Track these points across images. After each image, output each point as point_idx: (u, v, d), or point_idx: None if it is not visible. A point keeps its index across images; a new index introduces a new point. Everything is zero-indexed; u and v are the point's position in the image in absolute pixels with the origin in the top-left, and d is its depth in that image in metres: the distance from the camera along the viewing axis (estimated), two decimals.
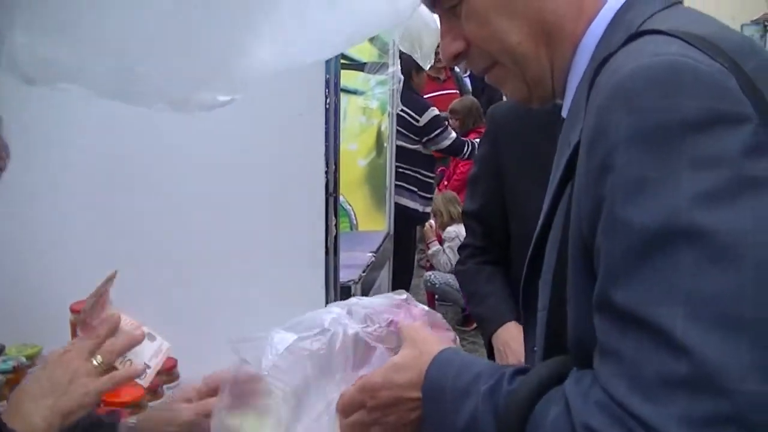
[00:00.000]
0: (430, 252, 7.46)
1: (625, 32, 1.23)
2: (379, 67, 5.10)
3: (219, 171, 2.73)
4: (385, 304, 1.65)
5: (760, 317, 0.98)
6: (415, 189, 6.92)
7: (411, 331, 1.55)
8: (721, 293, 0.99)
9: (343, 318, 1.62)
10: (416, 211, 6.94)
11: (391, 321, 1.61)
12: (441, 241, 7.54)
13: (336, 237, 2.78)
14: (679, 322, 0.98)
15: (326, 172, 2.73)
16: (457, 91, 9.54)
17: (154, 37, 1.86)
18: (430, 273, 7.49)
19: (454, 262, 7.12)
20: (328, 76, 2.71)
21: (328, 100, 2.71)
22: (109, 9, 1.81)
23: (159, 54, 1.91)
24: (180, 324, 2.68)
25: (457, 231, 7.20)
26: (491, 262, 2.75)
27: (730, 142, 1.03)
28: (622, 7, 1.32)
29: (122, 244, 2.71)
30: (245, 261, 2.74)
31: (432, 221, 7.65)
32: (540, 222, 1.40)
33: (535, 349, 1.39)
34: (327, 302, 2.74)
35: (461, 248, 2.96)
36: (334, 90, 2.73)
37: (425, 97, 9.23)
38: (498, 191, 2.70)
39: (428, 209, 7.32)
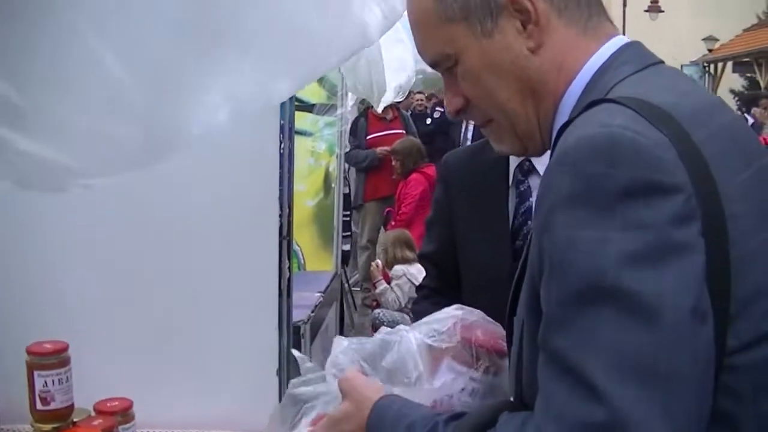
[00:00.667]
0: (377, 291, 7.46)
1: (597, 95, 1.34)
2: (327, 109, 5.16)
3: (172, 214, 2.74)
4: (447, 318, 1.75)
5: (673, 372, 1.08)
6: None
7: (344, 384, 1.61)
8: (640, 348, 1.09)
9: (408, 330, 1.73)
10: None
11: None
12: (388, 280, 7.57)
13: (289, 279, 2.81)
14: (600, 373, 1.08)
15: (280, 216, 2.76)
16: (404, 131, 9.65)
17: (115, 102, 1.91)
18: (378, 311, 7.49)
19: (402, 300, 7.15)
20: (282, 121, 2.74)
21: (282, 145, 2.74)
22: None
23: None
24: (134, 366, 2.70)
25: (405, 269, 7.24)
26: (446, 303, 2.79)
27: (660, 210, 1.13)
28: (599, 69, 1.42)
29: (86, 289, 2.72)
30: (198, 304, 2.75)
31: (379, 261, 7.66)
32: (519, 264, 1.48)
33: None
34: (280, 344, 2.75)
35: (418, 289, 3.00)
36: (288, 135, 2.76)
37: (372, 136, 9.34)
38: (450, 236, 2.74)
39: (347, 247, 7.38)
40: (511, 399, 1.47)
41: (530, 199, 2.52)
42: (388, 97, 5.28)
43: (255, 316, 2.75)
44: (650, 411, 1.06)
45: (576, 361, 1.11)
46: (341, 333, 6.03)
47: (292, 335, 2.88)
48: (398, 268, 7.52)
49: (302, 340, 3.77)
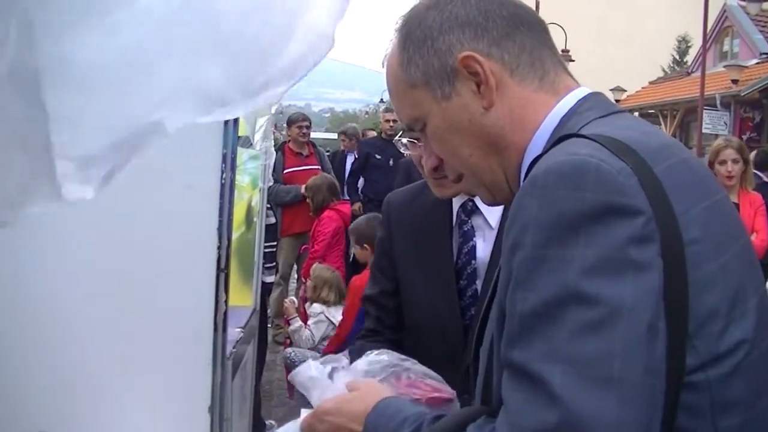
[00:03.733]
0: (291, 328, 7.37)
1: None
2: (251, 142, 5.10)
3: (106, 244, 2.66)
4: None
5: (626, 378, 1.16)
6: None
7: (367, 383, 1.83)
8: (596, 355, 1.17)
9: None
10: (264, 282, 6.86)
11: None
12: (305, 318, 7.49)
13: (225, 313, 2.74)
14: (557, 379, 1.16)
15: (218, 248, 2.70)
16: (319, 167, 9.67)
17: None
18: (290, 350, 7.39)
19: (317, 338, 7.09)
20: (225, 151, 2.69)
21: (224, 176, 2.69)
22: None
23: None
24: (63, 402, 2.60)
25: (323, 308, 7.19)
26: (381, 342, 2.77)
27: (621, 230, 1.23)
28: (565, 114, 1.54)
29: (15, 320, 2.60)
30: (130, 337, 2.66)
31: (293, 297, 7.58)
32: (488, 295, 1.56)
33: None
34: (214, 380, 2.68)
35: (360, 331, 2.96)
36: (230, 165, 2.72)
37: (288, 171, 9.32)
38: (393, 277, 2.73)
39: (271, 278, 7.31)
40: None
41: (473, 239, 2.53)
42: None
43: (188, 350, 2.68)
44: (602, 413, 1.14)
45: (536, 368, 1.19)
46: (258, 370, 5.95)
47: (226, 371, 2.81)
48: (316, 306, 7.47)
49: (226, 377, 3.69)
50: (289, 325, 7.42)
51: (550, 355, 1.19)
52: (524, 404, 1.20)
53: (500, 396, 1.32)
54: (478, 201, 2.51)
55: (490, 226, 2.50)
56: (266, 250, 6.89)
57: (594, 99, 1.58)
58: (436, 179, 2.47)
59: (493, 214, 2.50)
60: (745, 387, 1.34)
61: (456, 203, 2.58)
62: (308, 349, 7.33)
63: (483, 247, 2.51)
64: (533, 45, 1.60)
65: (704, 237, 1.34)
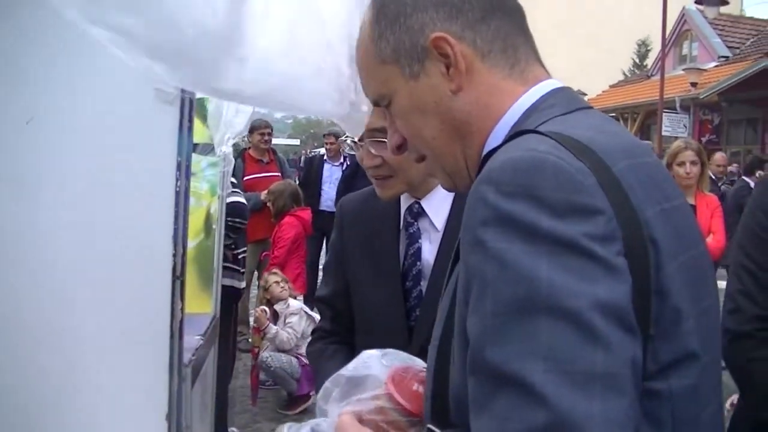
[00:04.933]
0: (269, 336, 7.35)
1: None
2: (211, 149, 5.09)
3: (63, 251, 2.65)
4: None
5: (609, 373, 1.12)
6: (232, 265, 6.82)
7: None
8: (575, 352, 1.13)
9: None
10: (233, 288, 6.82)
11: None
12: (275, 321, 7.48)
13: (181, 321, 2.74)
14: (539, 377, 1.11)
15: (174, 255, 2.69)
16: (279, 174, 9.65)
17: None
18: (267, 355, 7.38)
19: (299, 334, 7.11)
20: (179, 159, 2.69)
21: (178, 183, 2.69)
22: None
23: None
24: (15, 410, 2.58)
25: (300, 304, 7.26)
26: (338, 342, 2.78)
27: (583, 228, 1.20)
28: (527, 109, 1.49)
29: None
30: (86, 344, 2.65)
31: (265, 307, 7.55)
32: (441, 295, 1.53)
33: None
34: (171, 387, 2.68)
35: (313, 331, 2.98)
36: (185, 173, 2.71)
37: (248, 177, 9.28)
38: (344, 279, 2.74)
39: (243, 284, 7.28)
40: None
41: (419, 240, 2.55)
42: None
43: (145, 358, 2.67)
44: (589, 409, 1.10)
45: (513, 369, 1.14)
46: (225, 377, 5.93)
47: (183, 378, 2.80)
48: (281, 304, 7.51)
49: (183, 385, 3.67)
50: (260, 333, 7.39)
51: (527, 355, 1.14)
52: (509, 407, 1.13)
53: (457, 399, 1.31)
54: (424, 203, 2.54)
55: (436, 229, 2.53)
56: (240, 256, 6.89)
57: (559, 95, 1.54)
58: (378, 179, 2.50)
59: (438, 217, 2.53)
60: (697, 399, 1.34)
61: (404, 206, 2.61)
62: (292, 347, 7.34)
63: (429, 249, 2.53)
64: (508, 31, 1.55)
65: (664, 236, 1.32)
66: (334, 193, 10.92)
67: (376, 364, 1.71)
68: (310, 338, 3.00)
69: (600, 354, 1.13)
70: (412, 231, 2.57)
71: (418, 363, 1.72)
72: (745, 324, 2.68)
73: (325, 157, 11.61)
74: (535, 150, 1.27)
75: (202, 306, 5.18)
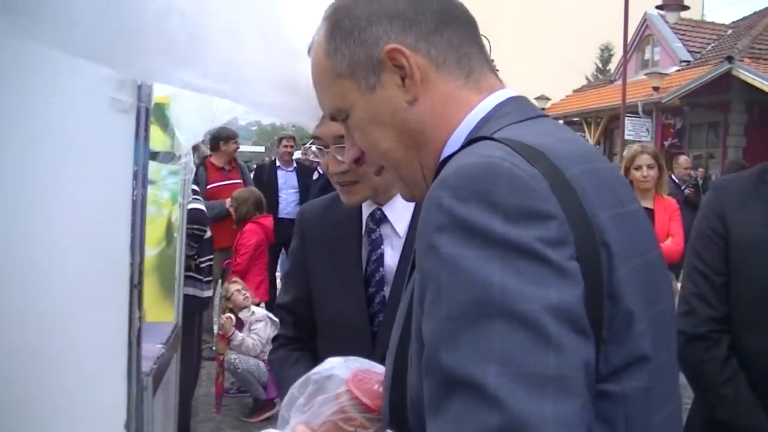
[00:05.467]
0: (234, 343, 7.33)
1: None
2: (171, 158, 5.08)
3: (19, 259, 2.63)
4: None
5: (561, 375, 1.14)
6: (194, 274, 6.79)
7: None
8: (528, 355, 1.14)
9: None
10: (195, 297, 6.78)
11: None
12: (240, 329, 7.46)
13: (139, 329, 2.75)
14: (492, 380, 1.12)
15: (131, 264, 2.70)
16: (242, 181, 9.64)
17: None
18: (234, 357, 7.36)
19: (264, 338, 7.09)
20: (136, 168, 2.70)
21: (135, 192, 2.69)
22: None
23: None
24: None
25: (252, 310, 7.26)
26: (301, 349, 2.79)
27: (536, 233, 1.22)
28: (482, 118, 1.52)
29: None
30: (43, 353, 2.64)
31: (231, 315, 7.53)
32: (402, 298, 1.55)
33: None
34: (129, 396, 2.68)
35: (274, 339, 2.98)
36: (142, 182, 2.72)
37: (211, 186, 9.26)
38: (305, 286, 2.75)
39: (209, 293, 7.26)
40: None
41: (381, 246, 2.57)
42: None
43: (103, 366, 2.68)
44: (542, 411, 1.11)
45: (467, 373, 1.15)
46: (190, 386, 5.91)
47: (144, 387, 2.81)
48: (245, 312, 7.50)
49: (145, 393, 3.68)
50: (225, 340, 7.37)
51: (480, 359, 1.15)
52: (461, 411, 1.14)
53: (415, 403, 1.33)
54: (386, 210, 2.56)
55: (398, 235, 2.55)
56: (203, 264, 6.87)
57: (513, 103, 1.56)
58: (343, 186, 2.51)
59: (400, 223, 2.55)
60: (650, 401, 1.35)
61: (366, 213, 2.62)
62: (258, 353, 7.33)
63: (391, 255, 2.55)
64: (461, 41, 1.58)
65: (616, 240, 1.34)
66: (294, 200, 10.89)
67: (338, 368, 1.72)
68: None
69: (552, 357, 1.14)
70: (374, 237, 2.59)
71: (380, 368, 1.73)
72: (699, 326, 2.74)
73: (277, 164, 11.38)
74: (489, 156, 1.29)
75: (164, 314, 5.17)
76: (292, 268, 2.88)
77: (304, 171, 11.18)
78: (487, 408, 1.12)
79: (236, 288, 7.68)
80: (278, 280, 10.12)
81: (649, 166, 6.68)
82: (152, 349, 4.16)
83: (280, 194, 11.08)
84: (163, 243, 5.33)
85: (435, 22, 1.55)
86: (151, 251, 5.32)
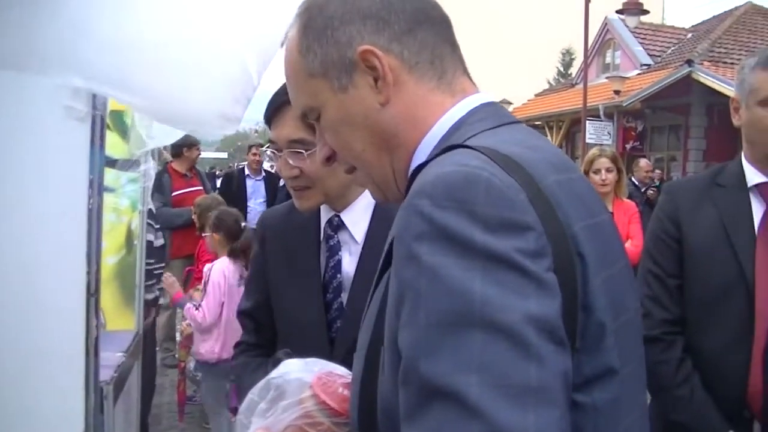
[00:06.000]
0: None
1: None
2: (131, 165, 5.05)
3: None
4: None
5: (542, 386, 1.14)
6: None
7: None
8: (509, 365, 1.14)
9: None
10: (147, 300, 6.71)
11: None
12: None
13: (96, 338, 2.73)
14: (474, 390, 1.12)
15: (88, 273, 2.69)
16: (202, 188, 9.62)
17: None
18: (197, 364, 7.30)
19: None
20: (91, 177, 2.69)
21: (91, 201, 2.68)
22: None
23: None
24: None
25: None
26: (262, 355, 2.79)
27: (515, 244, 1.22)
28: (455, 124, 1.52)
29: None
30: (2, 364, 2.63)
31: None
32: (367, 304, 1.54)
33: None
34: (87, 406, 2.67)
35: (236, 345, 2.97)
36: (97, 190, 2.71)
37: (176, 193, 9.22)
38: (266, 292, 2.75)
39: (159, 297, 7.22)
40: None
41: (339, 253, 2.57)
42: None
43: (60, 376, 2.66)
44: (523, 422, 1.11)
45: (447, 383, 1.14)
46: (144, 394, 5.87)
47: (104, 396, 2.79)
48: None
49: (105, 402, 3.65)
50: (187, 348, 7.28)
51: (462, 369, 1.14)
52: (440, 420, 1.14)
53: (386, 411, 1.33)
54: (343, 216, 2.57)
55: (356, 241, 2.56)
56: (156, 271, 6.82)
57: (487, 109, 1.56)
58: (296, 190, 2.52)
59: (358, 229, 2.56)
60: (618, 410, 1.37)
61: (324, 219, 2.63)
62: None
63: (349, 261, 2.56)
64: (435, 42, 1.57)
65: (589, 251, 1.35)
66: (263, 210, 10.65)
67: (299, 371, 1.71)
68: None
69: (533, 368, 1.14)
70: (332, 243, 2.59)
71: (341, 370, 1.73)
72: (653, 329, 2.78)
73: (246, 172, 11.25)
74: (467, 165, 1.29)
75: (125, 322, 5.15)
76: (252, 274, 2.89)
77: (272, 180, 11.09)
78: (467, 418, 1.11)
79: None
80: None
81: (608, 170, 6.72)
82: (113, 357, 4.14)
83: (248, 203, 10.98)
84: (123, 251, 5.30)
85: (408, 22, 1.55)
86: (111, 259, 5.30)
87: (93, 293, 2.70)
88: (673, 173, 25.01)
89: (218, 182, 13.27)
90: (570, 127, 30.58)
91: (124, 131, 4.94)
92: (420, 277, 1.21)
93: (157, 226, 6.97)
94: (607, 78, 29.33)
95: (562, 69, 43.89)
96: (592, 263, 1.34)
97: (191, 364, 7.28)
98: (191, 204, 8.92)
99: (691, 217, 2.84)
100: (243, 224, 7.09)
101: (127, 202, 5.32)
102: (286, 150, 2.47)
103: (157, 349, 8.67)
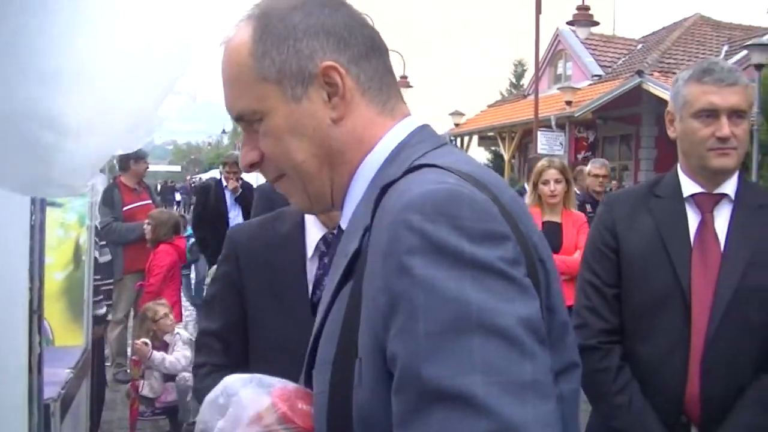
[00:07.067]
0: (156, 363, 7.14)
1: (400, 167, 1.50)
2: None
3: None
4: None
5: (537, 380, 1.23)
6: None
7: None
8: (509, 364, 1.22)
9: None
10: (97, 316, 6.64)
11: None
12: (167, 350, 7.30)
13: (40, 355, 2.72)
14: (479, 390, 1.19)
15: (30, 289, 2.67)
16: (151, 202, 9.59)
17: None
18: (188, 374, 7.20)
19: (189, 357, 6.97)
20: None
21: (33, 217, 2.67)
22: None
23: None
24: None
25: (177, 332, 7.26)
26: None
27: (499, 253, 1.31)
28: (399, 144, 1.59)
29: None
30: None
31: (146, 339, 7.33)
32: (319, 319, 1.58)
33: None
34: (30, 423, 2.65)
35: (197, 367, 2.86)
36: (39, 206, 2.70)
37: (128, 208, 9.17)
38: (240, 311, 2.71)
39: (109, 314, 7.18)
40: None
41: None
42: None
43: (2, 394, 2.64)
44: (525, 415, 1.19)
45: (454, 384, 1.20)
46: (92, 410, 5.82)
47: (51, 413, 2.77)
48: (185, 332, 7.42)
49: (52, 419, 3.62)
50: (138, 365, 7.22)
51: (466, 371, 1.21)
52: (446, 421, 1.20)
53: (364, 419, 1.37)
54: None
55: None
56: (104, 287, 6.77)
57: (425, 131, 1.63)
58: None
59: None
60: (577, 401, 1.50)
61: (310, 234, 2.61)
62: (173, 375, 7.18)
63: None
64: (383, 70, 1.63)
65: (547, 259, 1.48)
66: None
67: (249, 389, 1.67)
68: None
69: (528, 365, 1.23)
70: (327, 260, 2.56)
71: (292, 385, 1.71)
72: (590, 338, 2.85)
73: (224, 183, 10.67)
74: (446, 183, 1.36)
75: (73, 338, 5.10)
76: (219, 293, 2.82)
77: (248, 193, 10.75)
78: (475, 416, 1.18)
79: (164, 311, 7.51)
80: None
81: (557, 181, 6.76)
82: (60, 373, 4.10)
83: (229, 215, 10.67)
84: (71, 266, 5.26)
85: (365, 47, 1.60)
86: (59, 274, 5.26)
87: (36, 310, 2.69)
88: (625, 182, 25.24)
89: (177, 195, 13.05)
90: (522, 137, 30.79)
91: None
92: (415, 288, 1.27)
93: (102, 243, 6.92)
94: (558, 89, 29.59)
95: (514, 80, 44.07)
96: (550, 268, 1.47)
97: (184, 374, 7.18)
98: (141, 218, 8.88)
99: (628, 226, 2.90)
100: None
101: (74, 217, 5.29)
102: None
103: (109, 364, 8.62)
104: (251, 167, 1.67)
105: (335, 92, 1.56)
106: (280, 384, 1.69)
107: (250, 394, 1.64)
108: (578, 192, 10.27)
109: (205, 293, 2.88)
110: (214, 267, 3.14)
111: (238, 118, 1.65)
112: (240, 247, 2.77)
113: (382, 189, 1.44)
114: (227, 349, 2.76)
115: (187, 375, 7.16)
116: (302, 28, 1.57)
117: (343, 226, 1.63)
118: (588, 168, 10.58)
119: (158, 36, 2.26)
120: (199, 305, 12.40)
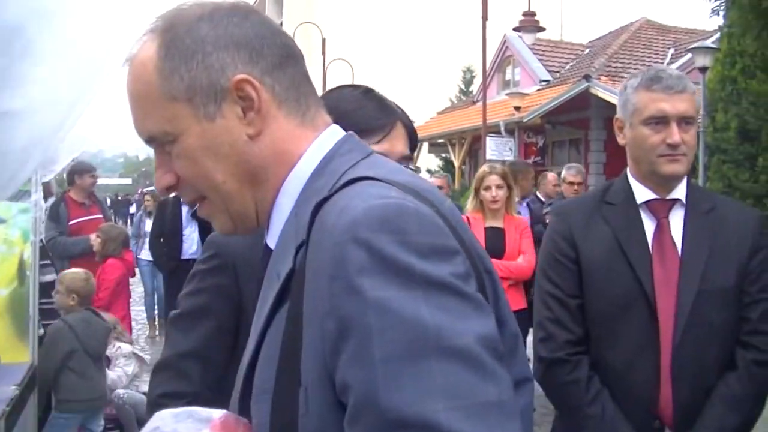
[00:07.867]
0: None
1: (330, 179, 1.44)
2: (21, 195, 5.02)
3: None
4: None
5: (502, 401, 1.19)
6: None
7: None
8: (471, 386, 1.17)
9: None
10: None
11: None
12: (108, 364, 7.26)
13: None
14: (442, 414, 1.14)
15: None
16: (102, 216, 9.51)
17: None
18: (122, 391, 7.18)
19: (130, 374, 6.94)
20: None
21: None
22: None
23: None
24: None
25: (117, 345, 7.23)
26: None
27: (450, 268, 1.26)
28: (326, 155, 1.51)
29: None
30: None
31: None
32: (252, 346, 1.50)
33: None
34: None
35: (168, 398, 2.46)
36: None
37: (73, 222, 9.10)
38: (232, 326, 2.58)
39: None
40: None
41: None
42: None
43: None
44: None
45: (414, 412, 1.15)
46: (40, 426, 5.79)
47: None
48: (126, 346, 7.37)
49: None
50: None
51: (427, 395, 1.15)
52: None
53: None
54: None
55: None
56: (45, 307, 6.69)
57: (352, 141, 1.55)
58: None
59: None
60: (531, 414, 1.50)
61: None
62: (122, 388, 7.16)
63: None
64: (300, 80, 1.55)
65: (492, 270, 1.45)
66: (196, 239, 10.39)
67: (183, 426, 1.54)
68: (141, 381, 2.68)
69: (491, 385, 1.19)
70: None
71: (231, 415, 1.57)
72: (557, 350, 2.85)
73: (181, 200, 10.57)
74: (389, 197, 1.30)
75: (19, 355, 5.09)
76: (207, 305, 2.63)
77: None
78: None
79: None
80: None
81: (498, 186, 6.79)
82: (5, 390, 4.11)
83: (183, 232, 10.60)
84: (15, 282, 5.24)
85: (279, 57, 1.52)
86: (2, 291, 5.25)
87: None
88: None
89: (132, 208, 12.90)
90: (472, 144, 30.87)
91: None
92: (366, 312, 1.21)
93: (44, 262, 6.82)
94: (507, 94, 29.73)
95: (463, 87, 44.19)
96: (496, 279, 1.44)
97: (119, 391, 7.15)
98: (89, 232, 8.83)
99: (584, 235, 2.91)
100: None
101: (18, 233, 5.26)
102: None
103: None
104: (168, 190, 1.58)
105: (250, 107, 1.47)
106: (219, 416, 1.56)
107: (187, 431, 1.53)
108: (542, 198, 10.27)
109: (178, 308, 2.55)
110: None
111: (148, 140, 1.54)
112: (237, 258, 2.60)
113: (317, 205, 1.36)
114: (204, 371, 2.57)
115: (122, 392, 7.17)
116: (211, 41, 1.47)
117: (271, 245, 1.55)
118: (563, 174, 10.36)
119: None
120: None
